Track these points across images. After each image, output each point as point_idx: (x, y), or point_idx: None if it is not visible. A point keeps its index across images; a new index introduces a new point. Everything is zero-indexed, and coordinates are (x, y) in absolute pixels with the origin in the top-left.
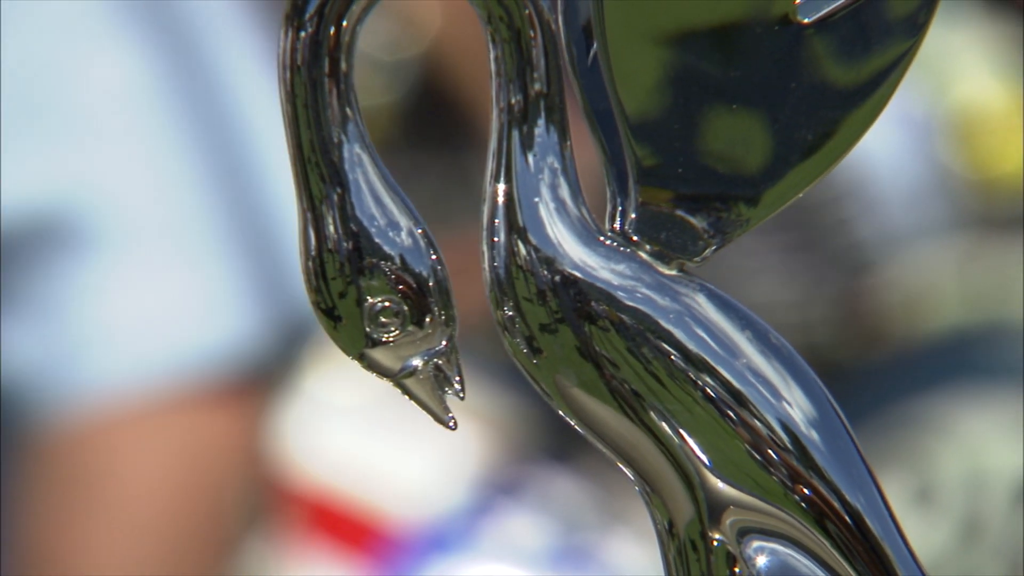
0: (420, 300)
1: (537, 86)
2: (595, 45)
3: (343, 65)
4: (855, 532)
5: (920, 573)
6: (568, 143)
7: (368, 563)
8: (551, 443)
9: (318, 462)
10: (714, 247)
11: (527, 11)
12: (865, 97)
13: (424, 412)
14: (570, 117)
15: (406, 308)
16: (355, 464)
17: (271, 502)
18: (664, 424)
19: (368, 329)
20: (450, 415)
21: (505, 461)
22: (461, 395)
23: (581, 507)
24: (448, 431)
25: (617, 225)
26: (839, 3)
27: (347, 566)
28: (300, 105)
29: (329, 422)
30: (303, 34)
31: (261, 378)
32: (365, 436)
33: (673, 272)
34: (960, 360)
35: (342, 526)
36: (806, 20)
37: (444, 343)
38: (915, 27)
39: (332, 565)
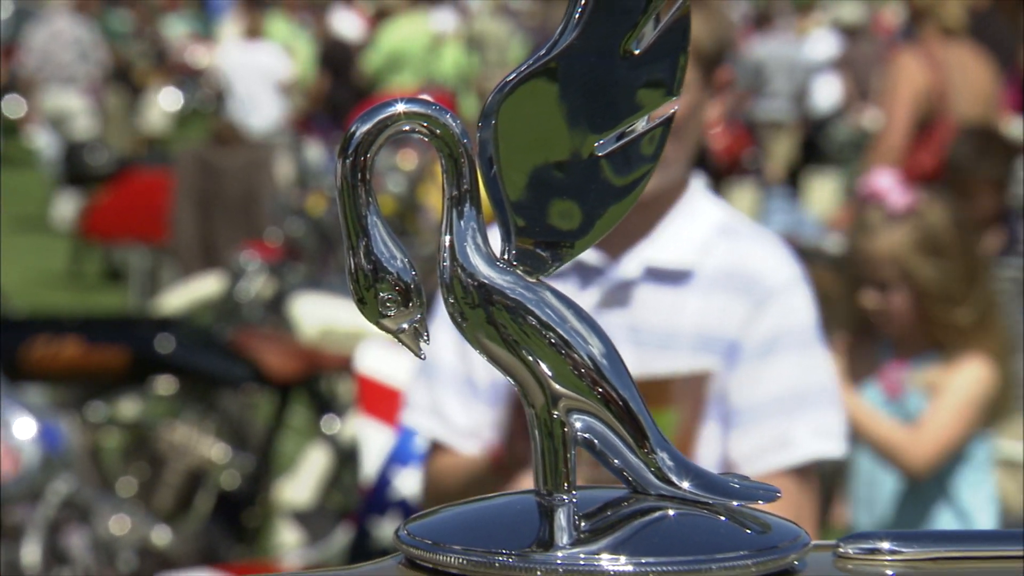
0: (406, 294)
1: (465, 186)
2: (494, 167)
3: (368, 176)
4: (623, 410)
5: (658, 433)
6: (481, 215)
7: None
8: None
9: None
10: (556, 268)
11: (460, 149)
12: (627, 194)
13: (408, 350)
14: (482, 202)
15: (399, 298)
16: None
17: None
18: (530, 357)
19: (380, 309)
20: (422, 352)
21: None
22: (427, 342)
23: None
24: (420, 360)
25: (506, 256)
26: (615, 146)
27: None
28: (347, 196)
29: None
30: (347, 161)
31: None
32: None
33: (534, 280)
34: None
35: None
36: (601, 154)
37: (419, 316)
38: (653, 157)
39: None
